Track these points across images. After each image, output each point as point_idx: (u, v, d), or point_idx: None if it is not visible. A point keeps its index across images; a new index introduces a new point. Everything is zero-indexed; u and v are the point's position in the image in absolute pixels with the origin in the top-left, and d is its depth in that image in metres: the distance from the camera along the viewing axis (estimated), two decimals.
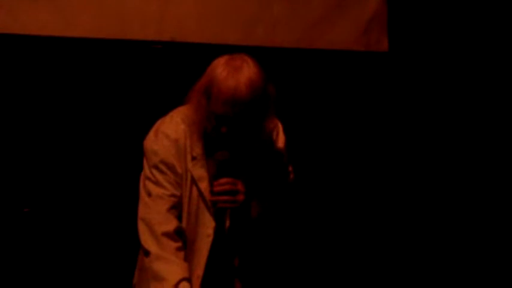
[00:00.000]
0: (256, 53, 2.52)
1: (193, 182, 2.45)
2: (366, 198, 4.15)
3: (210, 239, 2.46)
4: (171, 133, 2.46)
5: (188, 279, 2.37)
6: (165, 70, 3.58)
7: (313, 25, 3.99)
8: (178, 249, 2.40)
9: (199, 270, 2.46)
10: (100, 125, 3.61)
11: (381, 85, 4.18)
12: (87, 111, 3.60)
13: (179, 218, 2.45)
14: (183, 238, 2.45)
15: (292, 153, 2.70)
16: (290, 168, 2.69)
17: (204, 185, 2.45)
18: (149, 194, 2.44)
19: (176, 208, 2.44)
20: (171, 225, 2.41)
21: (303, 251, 4.00)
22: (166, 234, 2.39)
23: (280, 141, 2.62)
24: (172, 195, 2.42)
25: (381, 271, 4.13)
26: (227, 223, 2.50)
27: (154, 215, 2.43)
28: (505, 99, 4.28)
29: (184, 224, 2.46)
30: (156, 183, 2.43)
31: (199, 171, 2.45)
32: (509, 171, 4.27)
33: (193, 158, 2.45)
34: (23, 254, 3.48)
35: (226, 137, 2.34)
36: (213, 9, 3.67)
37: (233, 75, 2.27)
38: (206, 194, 2.45)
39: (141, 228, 2.44)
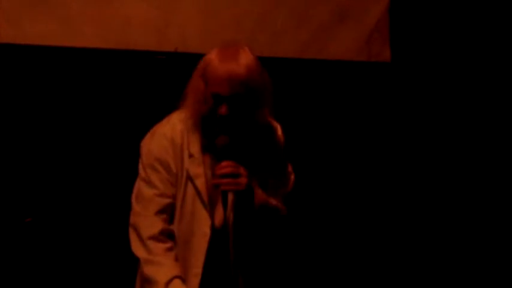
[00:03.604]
0: None
1: (190, 179, 2.47)
2: (369, 205, 4.15)
3: (207, 237, 2.46)
4: (167, 132, 2.49)
5: (179, 277, 2.39)
6: (168, 80, 3.59)
7: (315, 35, 4.00)
8: (167, 250, 2.42)
9: (197, 269, 2.46)
10: (102, 135, 3.62)
11: (383, 95, 4.18)
12: (90, 121, 3.61)
13: (171, 218, 2.47)
14: (172, 238, 2.47)
15: (294, 162, 2.71)
16: (290, 169, 2.70)
17: (200, 182, 2.46)
18: (138, 199, 2.47)
19: (165, 210, 2.46)
20: (156, 227, 2.42)
21: (303, 251, 4.00)
22: (152, 238, 2.41)
23: (280, 141, 2.64)
24: (163, 195, 2.44)
25: (380, 271, 4.13)
26: (231, 215, 2.49)
27: (141, 220, 2.45)
28: (507, 109, 4.28)
29: (178, 223, 2.47)
30: (149, 182, 2.46)
31: (196, 169, 2.47)
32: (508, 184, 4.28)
33: (191, 156, 2.47)
34: (25, 263, 3.48)
35: (224, 119, 2.36)
36: (216, 20, 3.68)
37: (230, 56, 2.35)
38: (203, 191, 2.46)
39: (131, 235, 2.47)
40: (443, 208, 4.24)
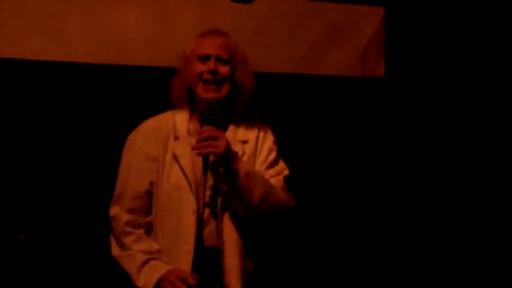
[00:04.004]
0: None
1: (175, 159, 2.54)
2: (363, 218, 4.14)
3: (195, 215, 2.52)
4: (151, 122, 2.71)
5: (153, 258, 2.54)
6: (161, 96, 3.59)
7: (309, 51, 4.01)
8: (135, 240, 2.58)
9: (188, 246, 2.52)
10: (97, 151, 3.61)
11: (377, 111, 4.18)
12: (84, 136, 3.61)
13: (146, 205, 2.64)
14: (141, 227, 2.60)
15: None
16: (283, 165, 2.72)
17: (185, 161, 2.56)
18: (112, 200, 2.69)
19: (136, 199, 2.63)
20: (121, 221, 2.59)
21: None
22: (120, 233, 2.60)
23: (269, 136, 2.75)
24: (138, 179, 2.62)
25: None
26: (212, 181, 2.56)
27: (113, 223, 2.64)
28: (501, 126, 4.28)
29: (166, 204, 2.56)
30: (127, 170, 2.67)
31: (181, 149, 2.58)
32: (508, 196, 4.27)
33: (176, 138, 2.61)
34: (19, 281, 3.46)
35: (212, 74, 2.57)
36: None
37: (210, 30, 2.75)
38: (187, 169, 2.54)
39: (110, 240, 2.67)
40: (436, 225, 4.23)
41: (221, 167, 2.49)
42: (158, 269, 2.53)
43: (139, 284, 2.53)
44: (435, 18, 4.27)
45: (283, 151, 2.82)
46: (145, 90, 3.68)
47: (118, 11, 3.64)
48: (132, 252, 2.56)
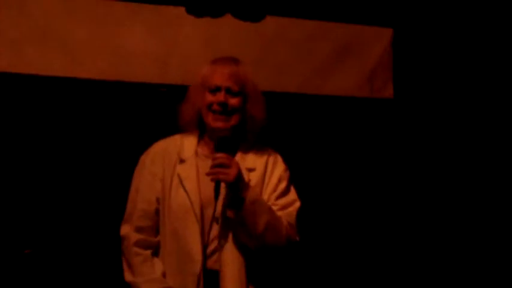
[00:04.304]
0: None
1: (180, 182, 2.57)
2: (371, 239, 4.12)
3: (200, 237, 2.52)
4: (161, 143, 2.73)
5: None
6: (169, 113, 3.60)
7: (318, 70, 4.02)
8: (143, 261, 2.59)
9: (194, 268, 2.52)
10: (104, 167, 3.62)
11: (385, 132, 4.18)
12: (91, 152, 3.62)
13: (154, 224, 2.64)
14: (149, 248, 2.62)
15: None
16: (294, 195, 2.74)
17: (190, 185, 2.58)
18: (123, 218, 2.69)
19: (145, 217, 2.63)
20: (132, 240, 2.61)
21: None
22: (131, 254, 2.61)
23: (279, 165, 2.73)
24: (144, 199, 2.63)
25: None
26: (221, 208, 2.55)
27: (123, 243, 2.66)
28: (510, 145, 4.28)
29: (170, 225, 2.57)
30: (136, 191, 2.67)
31: (186, 172, 2.60)
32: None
33: (181, 161, 2.63)
34: None
35: (221, 106, 2.58)
36: (217, 53, 3.68)
37: (224, 58, 2.72)
38: (191, 191, 2.56)
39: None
40: (443, 239, 4.22)
41: (230, 193, 2.49)
42: None
43: None
44: (444, 39, 4.27)
45: (289, 172, 2.81)
46: (153, 107, 3.69)
47: (125, 29, 3.67)
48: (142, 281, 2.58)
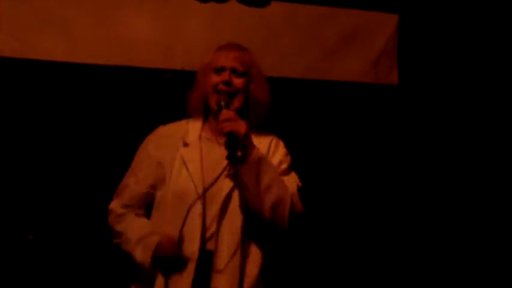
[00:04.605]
0: None
1: (184, 164, 2.60)
2: (374, 226, 4.13)
3: (201, 218, 2.53)
4: (165, 128, 2.78)
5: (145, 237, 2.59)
6: (174, 98, 3.59)
7: (323, 56, 4.01)
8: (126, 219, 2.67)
9: (193, 247, 2.53)
10: (108, 152, 3.62)
11: (390, 118, 4.17)
12: (94, 138, 3.62)
13: (144, 206, 2.71)
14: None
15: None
16: (295, 176, 2.74)
17: (193, 166, 2.61)
18: (115, 191, 2.75)
19: (135, 198, 2.69)
20: (115, 214, 2.70)
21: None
22: (114, 224, 2.70)
23: (280, 149, 2.75)
24: (138, 183, 2.69)
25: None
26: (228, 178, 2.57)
27: (112, 208, 2.74)
28: None
29: (170, 207, 2.59)
30: (132, 170, 2.74)
31: (189, 155, 2.63)
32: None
33: (185, 145, 2.66)
34: (28, 281, 3.47)
35: (226, 85, 2.63)
36: (222, 39, 3.69)
37: (229, 43, 2.78)
38: (195, 176, 2.57)
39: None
40: (447, 231, 4.21)
41: (238, 149, 2.49)
42: (150, 245, 2.56)
43: (137, 260, 2.60)
44: (449, 25, 4.25)
45: (293, 156, 2.81)
46: (158, 93, 3.68)
47: (130, 14, 3.66)
48: (134, 217, 2.68)
